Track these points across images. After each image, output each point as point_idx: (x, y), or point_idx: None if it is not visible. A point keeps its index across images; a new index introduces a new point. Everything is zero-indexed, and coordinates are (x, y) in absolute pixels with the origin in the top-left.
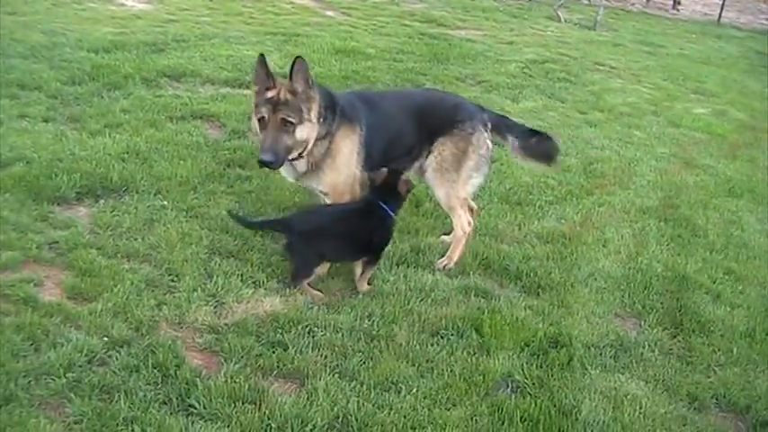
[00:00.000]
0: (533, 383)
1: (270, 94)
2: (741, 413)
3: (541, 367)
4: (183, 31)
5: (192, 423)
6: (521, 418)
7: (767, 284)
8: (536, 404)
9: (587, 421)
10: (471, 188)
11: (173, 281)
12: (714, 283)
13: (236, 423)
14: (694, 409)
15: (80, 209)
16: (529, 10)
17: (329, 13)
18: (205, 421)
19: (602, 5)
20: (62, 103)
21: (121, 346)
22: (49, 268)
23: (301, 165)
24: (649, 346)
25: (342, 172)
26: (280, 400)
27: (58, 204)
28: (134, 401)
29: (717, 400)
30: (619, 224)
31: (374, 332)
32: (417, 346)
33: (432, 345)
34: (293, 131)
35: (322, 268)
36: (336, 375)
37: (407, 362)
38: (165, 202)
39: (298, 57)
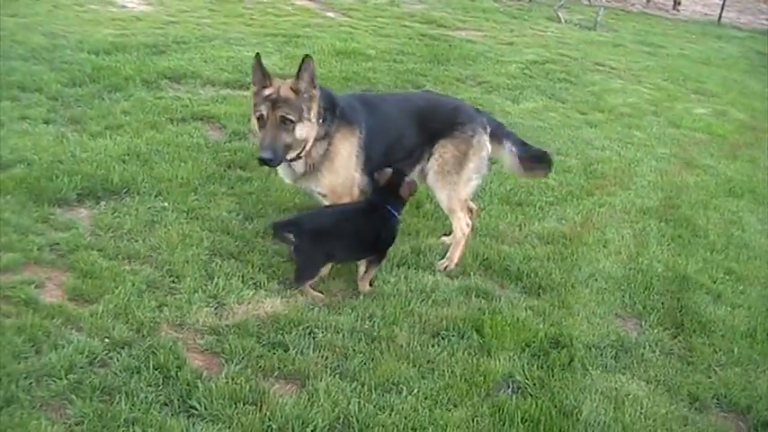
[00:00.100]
0: (534, 384)
1: (268, 91)
2: (742, 413)
3: (542, 368)
4: (183, 32)
5: (193, 424)
6: (522, 418)
7: None
8: (537, 405)
9: (588, 422)
10: (471, 190)
11: (174, 282)
12: (715, 283)
13: (236, 424)
14: (695, 409)
15: (81, 210)
16: (529, 11)
17: (329, 14)
18: (206, 422)
19: (602, 6)
20: (63, 105)
21: (122, 348)
22: (50, 270)
23: (299, 166)
24: (650, 346)
25: (340, 174)
26: (281, 401)
27: (59, 206)
28: (135, 403)
29: (718, 400)
30: (619, 225)
31: (375, 333)
32: (418, 347)
33: (432, 346)
34: (292, 129)
35: (324, 269)
36: (337, 376)
37: (408, 363)
38: (166, 204)
39: (306, 55)
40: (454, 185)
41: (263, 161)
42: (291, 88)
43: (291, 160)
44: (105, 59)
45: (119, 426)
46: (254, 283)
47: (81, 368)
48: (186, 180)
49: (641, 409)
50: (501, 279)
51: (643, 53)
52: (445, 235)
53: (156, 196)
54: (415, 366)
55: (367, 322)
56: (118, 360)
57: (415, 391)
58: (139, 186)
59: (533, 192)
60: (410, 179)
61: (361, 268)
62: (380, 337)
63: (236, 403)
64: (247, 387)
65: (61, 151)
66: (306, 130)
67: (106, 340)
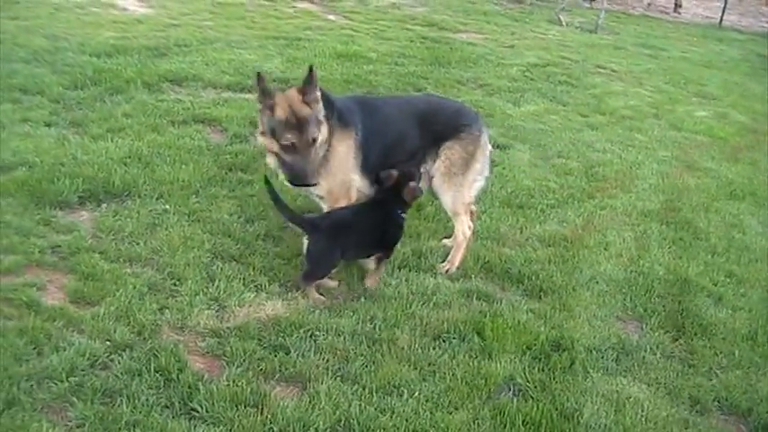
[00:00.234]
0: (535, 387)
1: (284, 114)
2: (743, 416)
3: (543, 371)
4: (184, 35)
5: (195, 427)
6: (523, 421)
7: None
8: (538, 408)
9: (589, 424)
10: (475, 192)
11: (175, 285)
12: (716, 285)
13: (237, 427)
14: (696, 412)
15: (82, 213)
16: (530, 14)
17: (331, 17)
18: (207, 425)
19: (603, 9)
20: (64, 108)
21: (124, 350)
22: (52, 272)
23: None
24: (651, 349)
25: (337, 176)
26: (282, 403)
27: (61, 209)
28: (136, 405)
29: (719, 403)
30: (620, 227)
31: (376, 336)
32: (419, 350)
33: (434, 348)
34: (317, 143)
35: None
36: (338, 379)
37: (409, 365)
38: (167, 207)
39: (311, 66)
40: (459, 187)
41: (300, 185)
42: (304, 102)
43: None
44: (107, 62)
45: (120, 428)
46: (256, 286)
47: (82, 370)
48: (187, 183)
49: (642, 411)
50: (502, 282)
51: (644, 56)
52: (446, 237)
53: (157, 199)
54: (416, 369)
55: (368, 325)
56: (119, 362)
57: (416, 393)
58: (141, 189)
59: (534, 194)
60: (414, 184)
61: (371, 265)
62: (381, 339)
63: (237, 406)
64: (248, 390)
65: (63, 154)
66: (324, 136)
67: (107, 343)
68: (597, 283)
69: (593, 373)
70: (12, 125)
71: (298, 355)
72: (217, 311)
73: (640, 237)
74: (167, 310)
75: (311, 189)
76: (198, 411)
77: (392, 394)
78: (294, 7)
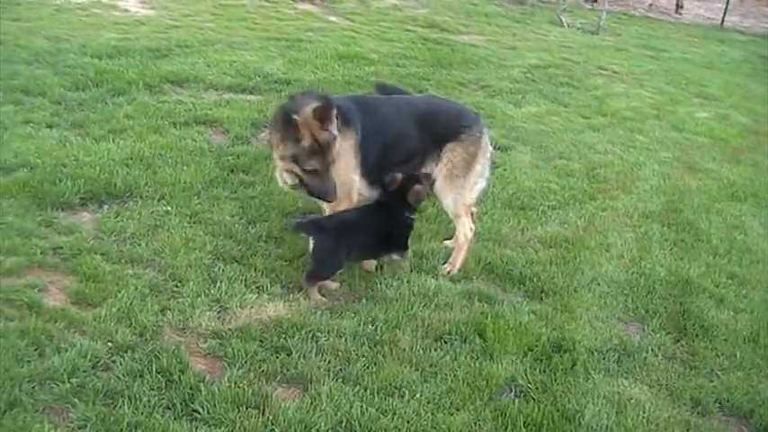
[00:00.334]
0: (537, 388)
1: (306, 142)
2: (744, 418)
3: (545, 372)
4: (186, 36)
5: (196, 428)
6: (524, 422)
7: None
8: (539, 409)
9: (590, 426)
10: (476, 194)
11: (176, 286)
12: (717, 287)
13: (239, 428)
14: (697, 413)
15: (84, 214)
16: (532, 15)
17: (332, 18)
18: (209, 426)
19: (604, 10)
20: (66, 109)
21: (125, 352)
22: (54, 274)
23: None
24: (652, 350)
25: (339, 178)
26: (283, 405)
27: (62, 210)
28: (138, 406)
29: (720, 404)
30: (622, 229)
31: (377, 337)
32: (421, 351)
33: (435, 350)
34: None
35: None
36: (340, 380)
37: (411, 367)
38: (169, 208)
39: (328, 102)
40: (461, 189)
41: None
42: (321, 128)
43: None
44: (108, 63)
45: (121, 429)
46: (257, 287)
47: (84, 372)
48: (189, 184)
49: (643, 413)
50: (503, 283)
51: (646, 57)
52: (447, 239)
53: (158, 200)
54: (417, 370)
55: (369, 326)
56: (121, 364)
57: (418, 394)
58: (142, 190)
59: (535, 196)
60: (419, 187)
61: (395, 256)
62: (383, 341)
63: (238, 407)
64: (250, 391)
65: (64, 155)
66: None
67: (109, 344)
68: (598, 284)
69: (595, 374)
70: (13, 126)
71: (299, 356)
72: (218, 313)
73: (642, 238)
74: (169, 312)
75: None
76: (199, 412)
77: (394, 395)
78: (295, 9)
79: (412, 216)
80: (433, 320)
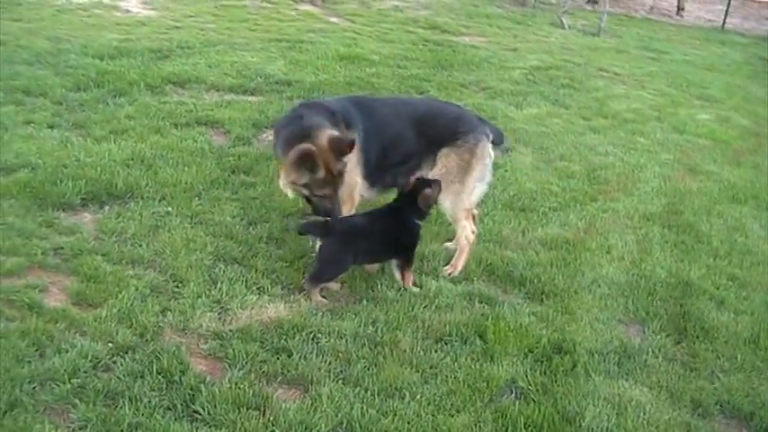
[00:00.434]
0: (537, 390)
1: (321, 174)
2: (745, 420)
3: (545, 373)
4: (187, 37)
5: (197, 429)
6: (524, 424)
7: None
8: (540, 410)
9: (591, 428)
10: (475, 198)
11: (177, 287)
12: (718, 289)
13: (240, 429)
14: (698, 415)
15: (85, 215)
16: (533, 16)
17: (333, 19)
18: (209, 427)
19: (605, 12)
20: (67, 110)
21: (126, 352)
22: (54, 274)
23: None
24: (653, 352)
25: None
26: (284, 406)
27: (63, 210)
28: (138, 407)
29: (721, 406)
30: (622, 230)
31: (378, 338)
32: (421, 353)
33: (436, 351)
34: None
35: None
36: (340, 381)
37: (411, 368)
38: (170, 209)
39: (350, 143)
40: (458, 194)
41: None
42: (337, 160)
43: None
44: (110, 64)
45: (122, 430)
46: (258, 289)
47: (85, 372)
48: (190, 185)
49: (644, 415)
50: (504, 285)
51: (646, 59)
52: (448, 240)
53: (159, 201)
54: (418, 372)
55: (370, 327)
56: (121, 364)
57: (418, 396)
58: (143, 191)
59: (536, 197)
60: (429, 191)
61: (397, 274)
62: (383, 342)
63: (239, 408)
64: (251, 392)
65: (65, 156)
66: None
67: (110, 345)
68: (599, 286)
69: (595, 376)
70: (14, 127)
71: (300, 357)
72: (219, 314)
73: (642, 240)
74: (170, 313)
75: None
76: (200, 413)
77: (394, 397)
78: (296, 10)
79: (420, 222)
80: (434, 322)
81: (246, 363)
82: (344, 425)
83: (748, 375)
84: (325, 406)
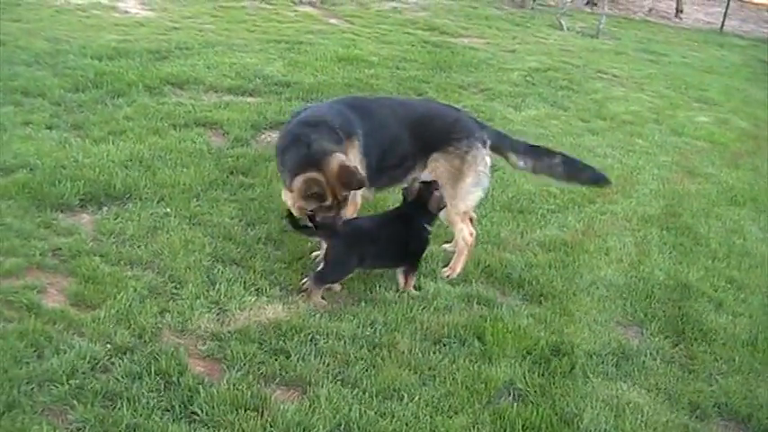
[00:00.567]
0: (535, 391)
1: (331, 202)
2: (743, 422)
3: (543, 375)
4: (186, 38)
5: (195, 430)
6: (522, 426)
7: None
8: (538, 412)
9: (589, 429)
10: (471, 202)
11: (176, 288)
12: (716, 291)
13: (238, 430)
14: (696, 417)
15: (83, 216)
16: (531, 18)
17: (332, 20)
18: (207, 428)
19: (604, 14)
20: (66, 111)
21: (124, 353)
22: (53, 275)
23: None
24: (651, 354)
25: None
26: (282, 407)
27: (62, 211)
28: (137, 408)
29: (718, 408)
30: (621, 232)
31: (376, 340)
32: (419, 354)
33: (434, 352)
34: None
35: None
36: (339, 383)
37: (410, 369)
38: (168, 210)
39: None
40: (451, 199)
41: None
42: (346, 189)
43: None
44: (108, 65)
45: (120, 431)
46: (256, 290)
47: (83, 373)
48: (189, 186)
49: (642, 417)
50: (502, 286)
51: (645, 61)
52: (447, 242)
53: (158, 202)
54: (416, 373)
55: (368, 329)
56: (119, 365)
57: (417, 398)
58: (142, 192)
59: (535, 199)
60: (439, 193)
61: (401, 279)
62: (382, 343)
63: (237, 409)
64: (249, 393)
65: (64, 156)
66: None
67: (108, 346)
68: (597, 287)
69: (593, 377)
70: (13, 128)
71: (298, 358)
72: (217, 315)
73: (641, 242)
74: (168, 314)
75: None
76: (198, 415)
77: (392, 398)
78: (295, 11)
79: (429, 227)
80: (432, 323)
81: (245, 364)
82: (342, 426)
83: (746, 377)
84: (323, 407)
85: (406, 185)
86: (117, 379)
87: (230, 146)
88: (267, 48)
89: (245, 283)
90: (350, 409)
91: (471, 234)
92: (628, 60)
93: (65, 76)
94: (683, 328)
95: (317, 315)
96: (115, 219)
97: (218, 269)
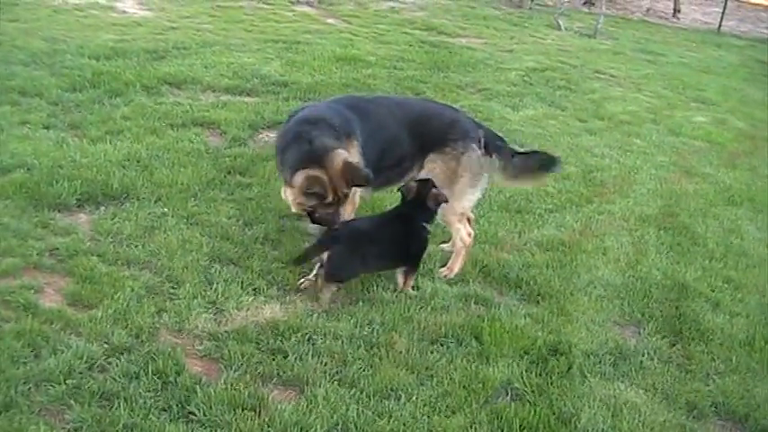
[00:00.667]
0: (533, 391)
1: (332, 199)
2: (740, 421)
3: (541, 375)
4: (183, 38)
5: (192, 430)
6: (520, 425)
7: (766, 293)
8: (535, 412)
9: (586, 429)
10: (468, 203)
11: (173, 288)
12: (713, 291)
13: (235, 430)
14: (693, 417)
15: (81, 216)
16: (529, 18)
17: (330, 20)
18: (205, 428)
19: (602, 14)
20: (63, 110)
21: (121, 353)
22: (50, 275)
23: None
24: (648, 354)
25: None
26: (279, 407)
27: (59, 211)
28: (134, 408)
29: (716, 408)
30: (618, 232)
31: (374, 340)
32: (417, 354)
33: (431, 352)
34: None
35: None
36: (336, 383)
37: (407, 369)
38: (166, 210)
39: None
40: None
41: None
42: (348, 186)
43: None
44: (106, 65)
45: (117, 431)
46: (254, 290)
47: (80, 373)
48: (186, 186)
49: (639, 416)
50: (500, 286)
51: (643, 61)
52: (444, 242)
53: (155, 202)
54: (413, 373)
55: (366, 329)
56: (117, 365)
57: (414, 397)
58: (139, 192)
59: (533, 199)
60: (437, 190)
61: (400, 279)
62: (379, 343)
63: (234, 409)
64: (246, 393)
65: (61, 156)
66: None
67: (105, 345)
68: (595, 287)
69: (591, 377)
70: (10, 127)
71: (296, 358)
72: (215, 315)
73: (638, 242)
74: (165, 314)
75: None
76: (195, 414)
77: (390, 398)
78: (293, 11)
79: (428, 226)
80: (430, 323)
81: (242, 364)
82: (340, 426)
83: (743, 377)
84: (320, 407)
85: (402, 185)
86: (114, 379)
87: (228, 146)
88: (265, 47)
89: (242, 282)
90: (347, 409)
91: (469, 234)
92: (625, 60)
93: (62, 75)
94: (680, 327)
95: (315, 315)
96: (112, 218)
97: (216, 269)
